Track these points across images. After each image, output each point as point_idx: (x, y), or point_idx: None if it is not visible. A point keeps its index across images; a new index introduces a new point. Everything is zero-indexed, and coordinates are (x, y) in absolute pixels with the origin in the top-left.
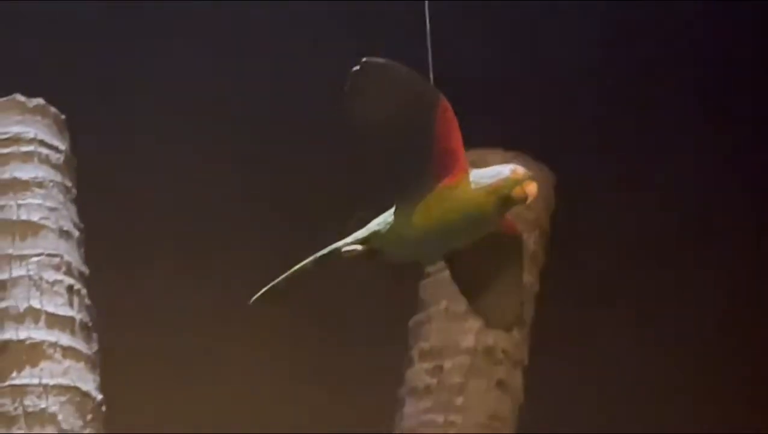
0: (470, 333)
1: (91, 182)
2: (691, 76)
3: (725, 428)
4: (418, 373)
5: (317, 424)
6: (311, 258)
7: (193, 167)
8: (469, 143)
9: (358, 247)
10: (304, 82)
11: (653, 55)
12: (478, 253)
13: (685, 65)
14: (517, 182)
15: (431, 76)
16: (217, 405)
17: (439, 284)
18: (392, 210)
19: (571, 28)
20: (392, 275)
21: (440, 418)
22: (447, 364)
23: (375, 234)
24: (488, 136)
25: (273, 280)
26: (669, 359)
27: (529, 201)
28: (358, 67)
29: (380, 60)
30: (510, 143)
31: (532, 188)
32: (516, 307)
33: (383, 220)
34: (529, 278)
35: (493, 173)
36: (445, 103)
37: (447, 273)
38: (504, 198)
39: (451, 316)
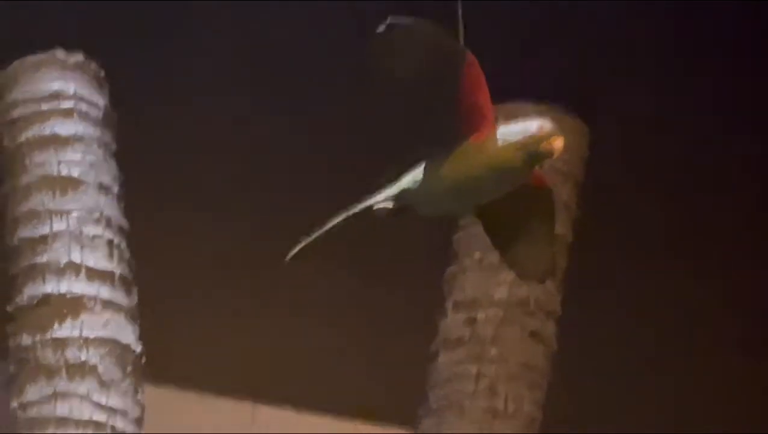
0: (503, 284)
1: (131, 137)
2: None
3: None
4: (452, 325)
5: (351, 377)
6: (342, 216)
7: (232, 120)
8: (501, 95)
9: (389, 204)
10: (346, 37)
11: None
12: (510, 206)
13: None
14: (544, 137)
15: (461, 31)
16: (251, 355)
17: (472, 237)
18: (421, 167)
19: None
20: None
21: (473, 369)
22: (480, 315)
23: (405, 191)
24: (521, 88)
25: (308, 233)
26: (707, 312)
27: (555, 156)
28: (383, 28)
29: (405, 19)
30: (541, 95)
31: (558, 143)
32: (548, 259)
33: (412, 177)
34: (562, 229)
35: (520, 128)
36: (471, 59)
37: (480, 226)
38: (531, 154)
39: (485, 267)
